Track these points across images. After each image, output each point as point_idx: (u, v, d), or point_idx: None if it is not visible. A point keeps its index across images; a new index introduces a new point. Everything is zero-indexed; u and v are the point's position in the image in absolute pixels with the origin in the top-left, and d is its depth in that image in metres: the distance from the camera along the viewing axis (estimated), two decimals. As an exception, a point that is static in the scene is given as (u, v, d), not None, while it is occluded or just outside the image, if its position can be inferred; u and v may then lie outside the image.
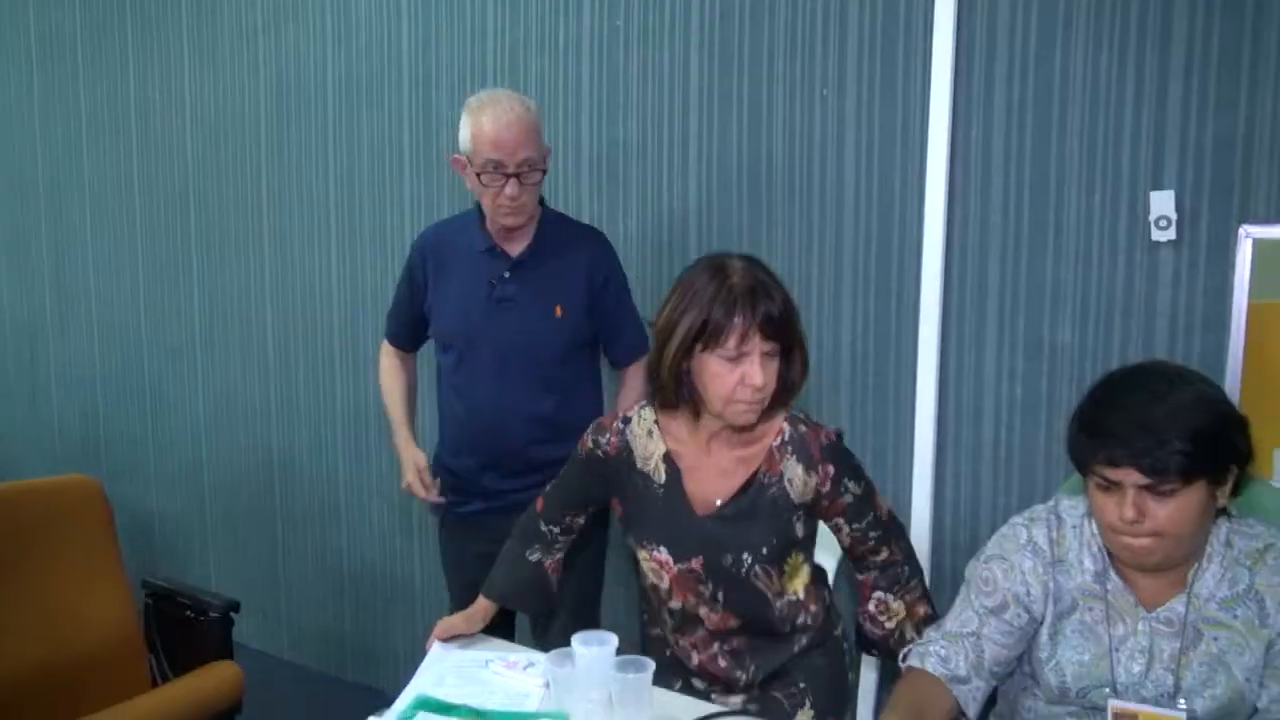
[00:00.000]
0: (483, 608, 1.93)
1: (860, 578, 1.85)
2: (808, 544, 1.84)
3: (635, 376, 2.31)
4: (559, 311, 2.23)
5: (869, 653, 1.94)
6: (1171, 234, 2.04)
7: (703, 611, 1.81)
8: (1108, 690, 1.53)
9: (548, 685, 1.68)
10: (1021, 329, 2.23)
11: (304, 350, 3.47)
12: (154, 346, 3.92)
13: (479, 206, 2.26)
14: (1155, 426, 1.39)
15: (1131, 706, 1.50)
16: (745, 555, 1.75)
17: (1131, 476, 1.41)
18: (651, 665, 1.60)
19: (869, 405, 2.42)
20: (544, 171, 2.19)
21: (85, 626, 2.44)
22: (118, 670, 2.46)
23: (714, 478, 1.78)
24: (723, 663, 1.84)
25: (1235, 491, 1.48)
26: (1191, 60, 2.02)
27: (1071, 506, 1.62)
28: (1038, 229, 2.20)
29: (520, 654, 1.83)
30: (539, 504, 1.96)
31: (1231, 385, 1.99)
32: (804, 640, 1.84)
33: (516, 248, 2.25)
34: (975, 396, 2.30)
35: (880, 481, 2.39)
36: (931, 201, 2.28)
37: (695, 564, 1.77)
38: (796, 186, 2.47)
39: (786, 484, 1.74)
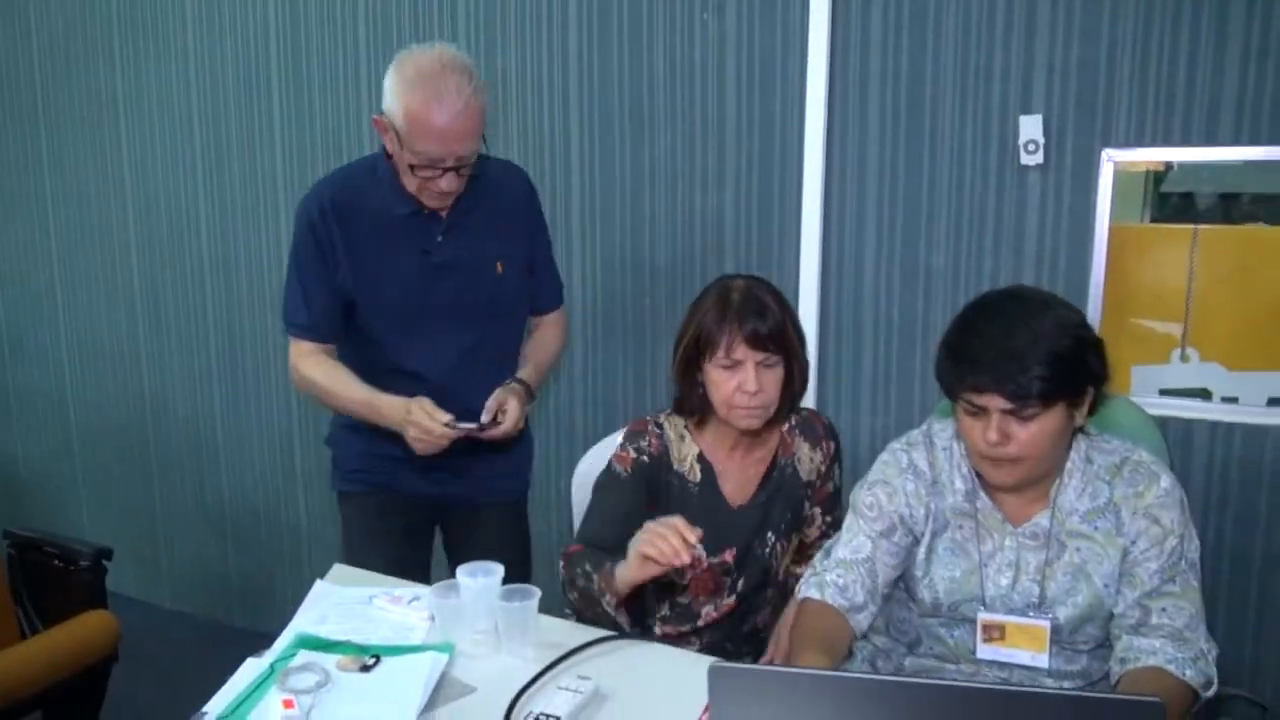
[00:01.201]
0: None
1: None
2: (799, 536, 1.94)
3: (553, 324, 2.22)
4: (499, 268, 2.07)
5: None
6: (1039, 158, 2.10)
7: (705, 610, 1.89)
8: (977, 604, 1.59)
9: (433, 618, 1.66)
10: (899, 252, 2.28)
11: (172, 286, 3.33)
12: (8, 287, 3.71)
13: (386, 157, 1.96)
14: (1016, 353, 1.44)
15: (999, 618, 1.57)
16: (770, 535, 1.88)
17: (995, 402, 1.46)
18: (537, 593, 1.59)
19: (752, 332, 2.44)
20: (482, 156, 1.95)
21: (-58, 581, 2.33)
22: (-18, 624, 2.37)
23: (740, 481, 1.90)
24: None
25: (1092, 410, 1.54)
26: (1059, -15, 2.06)
27: (941, 429, 1.67)
28: (914, 154, 2.23)
29: (405, 588, 1.80)
30: (574, 548, 1.80)
31: (1094, 303, 2.08)
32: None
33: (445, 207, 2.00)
34: (855, 319, 2.34)
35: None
36: (811, 126, 2.29)
37: (728, 555, 1.87)
38: (678, 111, 2.45)
39: (798, 462, 1.90)
